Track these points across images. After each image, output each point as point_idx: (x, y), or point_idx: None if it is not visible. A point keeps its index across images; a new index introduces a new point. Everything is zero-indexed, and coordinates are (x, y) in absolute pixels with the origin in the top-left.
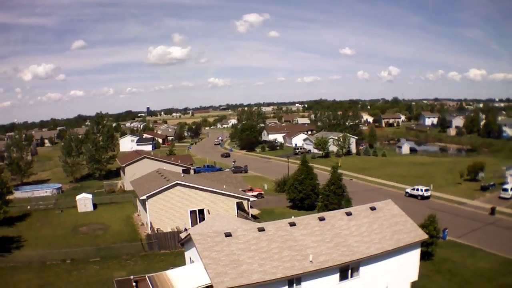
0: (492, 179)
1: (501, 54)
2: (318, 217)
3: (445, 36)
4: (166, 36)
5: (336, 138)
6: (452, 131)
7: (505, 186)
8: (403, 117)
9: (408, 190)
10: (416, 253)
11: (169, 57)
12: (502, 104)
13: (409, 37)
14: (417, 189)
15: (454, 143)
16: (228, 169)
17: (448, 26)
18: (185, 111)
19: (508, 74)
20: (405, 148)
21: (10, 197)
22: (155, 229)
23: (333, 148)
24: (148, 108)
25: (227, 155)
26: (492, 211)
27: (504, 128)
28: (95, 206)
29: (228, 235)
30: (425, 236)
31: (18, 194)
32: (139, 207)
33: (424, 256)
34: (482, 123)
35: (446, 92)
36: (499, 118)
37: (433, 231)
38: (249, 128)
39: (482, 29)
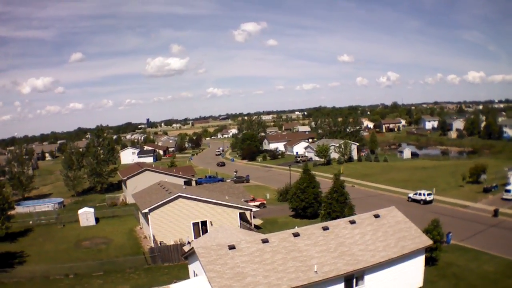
0: (494, 180)
1: (500, 55)
2: (322, 227)
3: (443, 39)
4: (164, 47)
5: (337, 145)
6: (453, 134)
7: (508, 187)
8: (403, 122)
9: (411, 195)
10: (420, 259)
11: (168, 68)
12: (501, 105)
13: (407, 42)
14: (420, 194)
15: (456, 145)
16: (229, 179)
17: (446, 29)
18: (185, 121)
19: (507, 75)
20: (407, 152)
21: (12, 212)
22: (158, 242)
23: (334, 155)
24: (148, 120)
25: (222, 164)
26: (495, 213)
27: (505, 129)
28: (97, 220)
29: (231, 247)
30: (430, 242)
31: (19, 209)
32: (142, 220)
33: (429, 262)
34: (483, 125)
35: (445, 95)
36: (499, 119)
37: (437, 236)
38: (249, 137)
39: (480, 31)
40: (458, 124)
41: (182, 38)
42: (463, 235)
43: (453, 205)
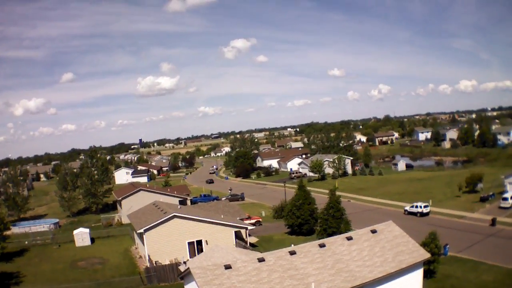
0: (491, 189)
1: (492, 62)
2: (319, 244)
3: (433, 49)
4: (155, 66)
5: (331, 160)
6: (446, 144)
7: (505, 195)
8: (396, 134)
9: (407, 207)
10: (419, 273)
11: (159, 88)
12: (494, 113)
13: (397, 53)
14: (416, 206)
15: (450, 155)
16: (224, 198)
17: (437, 39)
18: (177, 141)
19: (499, 82)
20: (401, 164)
21: (8, 232)
22: (154, 262)
23: (328, 170)
24: (140, 140)
25: (211, 181)
26: (493, 222)
27: (499, 137)
28: (92, 240)
29: (227, 267)
30: (428, 255)
31: (15, 230)
32: (137, 240)
33: (427, 274)
34: (477, 133)
35: (438, 106)
36: (493, 127)
37: (434, 249)
38: (243, 155)
39: (471, 38)
40: (452, 134)
41: (172, 57)
42: (461, 246)
43: (450, 216)
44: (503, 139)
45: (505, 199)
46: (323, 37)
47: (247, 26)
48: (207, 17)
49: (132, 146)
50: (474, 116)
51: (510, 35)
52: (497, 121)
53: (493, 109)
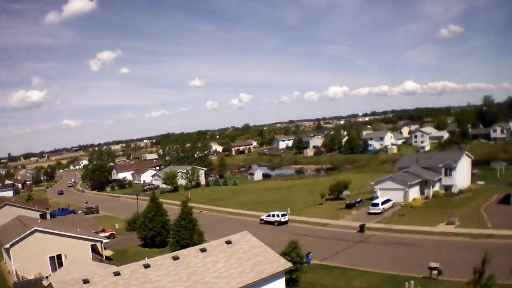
0: (358, 195)
1: (368, 68)
2: (172, 257)
3: (302, 56)
4: (25, 79)
5: (184, 171)
6: (309, 152)
7: (375, 201)
8: (255, 143)
9: (263, 216)
10: (281, 282)
11: (28, 101)
12: (366, 118)
13: (263, 62)
14: (273, 215)
15: (313, 163)
16: (80, 211)
17: (307, 45)
18: (41, 154)
19: (373, 88)
20: (258, 174)
21: None
22: (20, 277)
23: (182, 181)
24: (9, 154)
25: (61, 193)
26: (361, 229)
27: (371, 142)
28: None
29: (86, 281)
30: (289, 265)
31: None
32: (5, 255)
33: (289, 283)
34: (344, 139)
35: (304, 113)
36: (365, 132)
37: (296, 258)
38: (99, 168)
39: (346, 44)
40: (316, 141)
41: (41, 70)
42: (326, 254)
43: (313, 224)
44: (375, 144)
45: (375, 204)
46: (189, 48)
47: (114, 38)
48: (79, 29)
49: (2, 160)
50: (342, 122)
51: (390, 40)
52: (369, 126)
53: (364, 115)
